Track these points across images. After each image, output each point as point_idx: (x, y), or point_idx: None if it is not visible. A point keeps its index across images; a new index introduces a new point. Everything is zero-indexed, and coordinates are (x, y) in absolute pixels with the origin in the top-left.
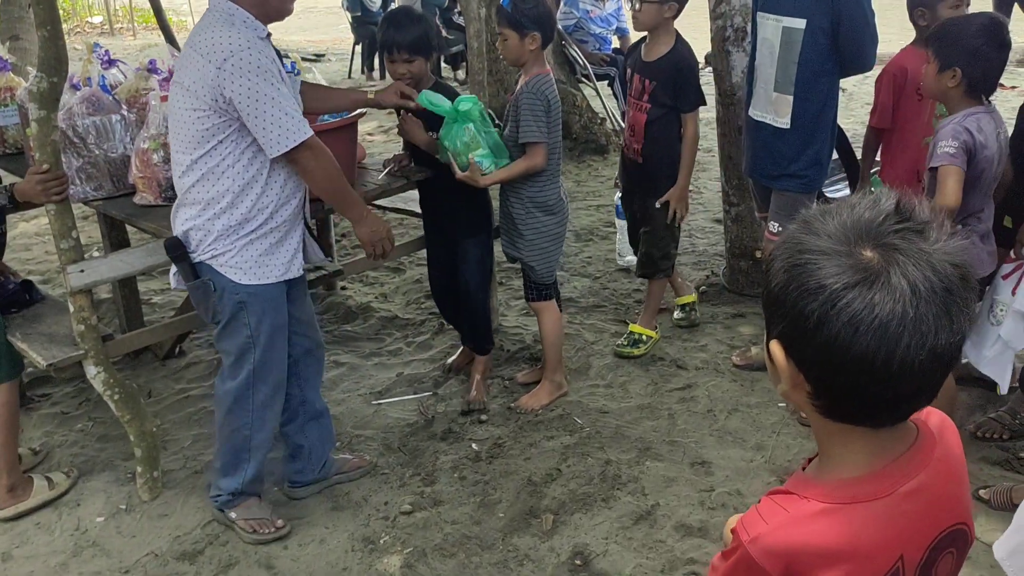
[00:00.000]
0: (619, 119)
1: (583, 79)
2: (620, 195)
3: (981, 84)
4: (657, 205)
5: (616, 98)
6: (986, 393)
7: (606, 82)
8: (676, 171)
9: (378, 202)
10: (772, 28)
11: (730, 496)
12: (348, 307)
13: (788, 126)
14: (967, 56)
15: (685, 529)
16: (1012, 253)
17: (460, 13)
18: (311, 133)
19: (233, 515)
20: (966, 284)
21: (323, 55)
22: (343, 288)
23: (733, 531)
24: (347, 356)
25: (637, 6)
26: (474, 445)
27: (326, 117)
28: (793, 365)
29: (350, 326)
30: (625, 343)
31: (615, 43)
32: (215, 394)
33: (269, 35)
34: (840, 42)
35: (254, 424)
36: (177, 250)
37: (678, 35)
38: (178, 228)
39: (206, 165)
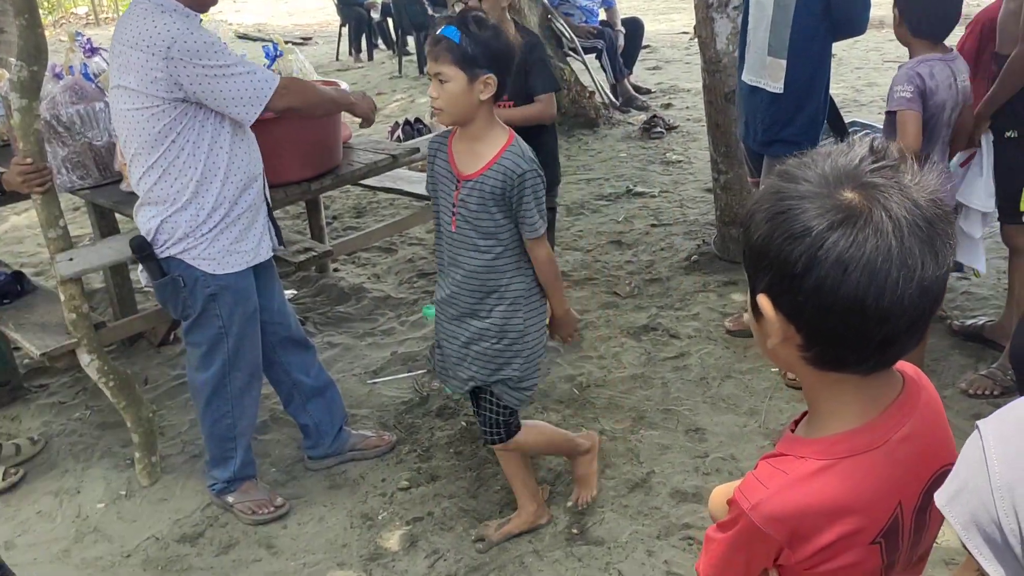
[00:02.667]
0: (608, 92)
1: (571, 52)
2: None
3: (924, 27)
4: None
5: (604, 71)
6: (978, 351)
7: (594, 55)
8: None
9: (367, 181)
10: None
11: (724, 461)
12: (341, 288)
13: (781, 90)
14: None
15: (680, 495)
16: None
17: None
18: (278, 78)
19: (231, 499)
20: (946, 216)
21: (310, 38)
22: (335, 270)
23: (731, 501)
24: (341, 337)
25: None
26: (464, 423)
27: None
28: (783, 317)
29: (343, 307)
30: None
31: (602, 15)
32: (190, 385)
33: (202, 22)
34: (832, 5)
35: (235, 413)
36: (143, 249)
37: (516, 23)
38: (143, 226)
39: (166, 162)
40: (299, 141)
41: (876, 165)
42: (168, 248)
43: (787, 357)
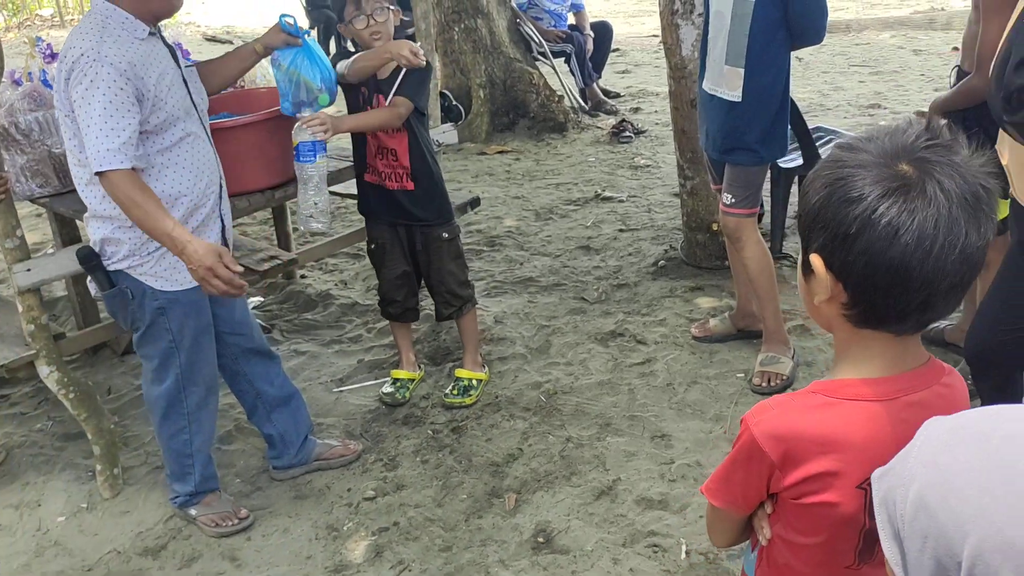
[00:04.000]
0: (577, 96)
1: (539, 57)
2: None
3: None
4: (444, 236)
5: (573, 75)
6: (940, 354)
7: (563, 59)
8: (445, 192)
9: (333, 188)
10: (722, 1)
11: (690, 468)
12: (308, 295)
13: (739, 99)
14: None
15: (646, 502)
16: None
17: None
18: (117, 166)
19: (194, 512)
20: (990, 193)
21: None
22: (302, 276)
23: (743, 419)
24: (307, 344)
25: (380, 17)
26: (431, 431)
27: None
28: (832, 276)
29: (310, 314)
30: (454, 392)
31: (571, 19)
32: (145, 398)
33: (154, 32)
34: (790, 14)
35: (191, 428)
36: (91, 260)
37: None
38: (92, 237)
39: None
40: (263, 149)
41: (931, 143)
42: (114, 263)
43: (829, 314)
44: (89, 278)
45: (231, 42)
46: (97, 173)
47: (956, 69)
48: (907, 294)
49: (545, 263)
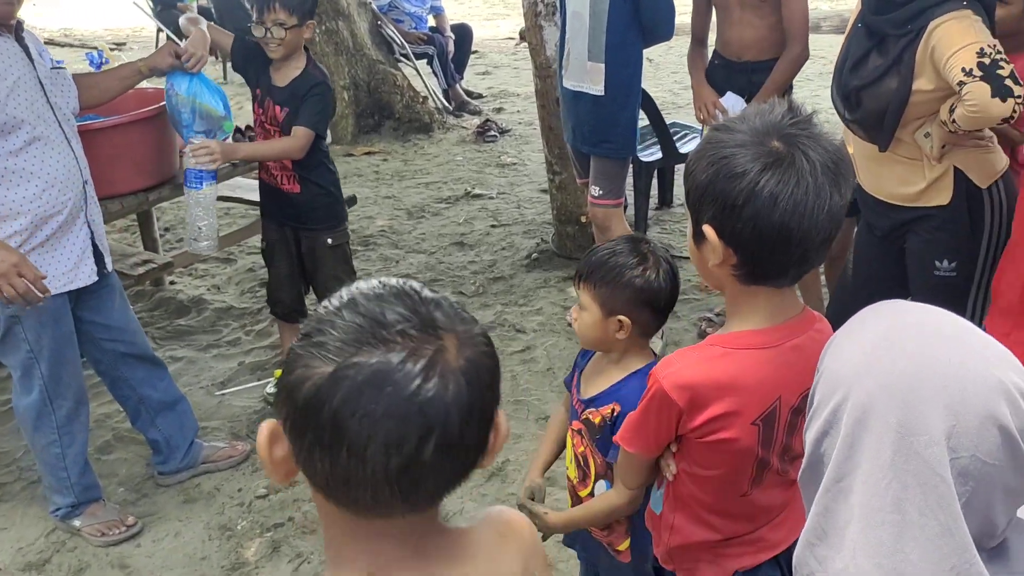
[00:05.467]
0: (441, 97)
1: (402, 58)
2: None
3: None
4: (329, 241)
5: (436, 76)
6: None
7: (425, 60)
8: (335, 197)
9: None
10: (579, 1)
11: None
12: (180, 301)
13: (603, 93)
14: None
15: None
16: None
17: None
18: None
19: (77, 523)
20: (848, 159)
21: (123, 44)
22: (172, 283)
23: (651, 373)
24: (184, 350)
25: (282, 34)
26: None
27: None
28: (723, 242)
29: (183, 320)
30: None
31: (431, 21)
32: (15, 410)
33: (2, 34)
34: (641, 12)
35: (63, 441)
36: None
37: (308, 55)
38: None
39: None
40: (133, 150)
41: (794, 120)
42: None
43: (720, 275)
44: None
45: (71, 45)
46: None
47: None
48: (788, 251)
49: (421, 260)
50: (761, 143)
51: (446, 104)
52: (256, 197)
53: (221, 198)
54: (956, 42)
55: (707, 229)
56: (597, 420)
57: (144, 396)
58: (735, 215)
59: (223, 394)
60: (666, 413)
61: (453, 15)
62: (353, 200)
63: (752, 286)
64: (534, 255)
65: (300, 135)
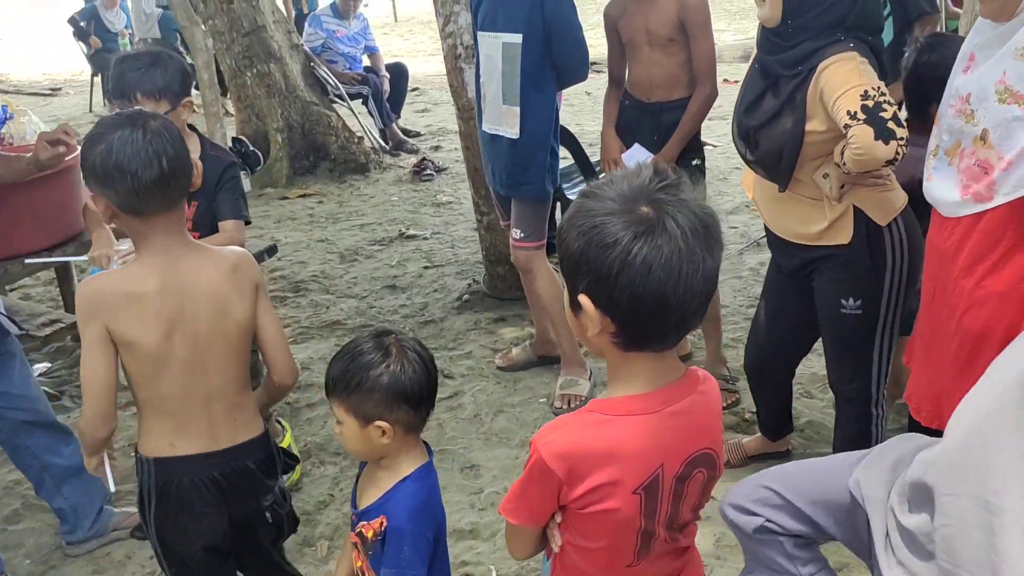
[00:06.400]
0: (377, 137)
1: (336, 99)
2: None
3: None
4: None
5: (372, 116)
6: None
7: (360, 100)
8: None
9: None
10: (492, 45)
11: (498, 495)
12: None
13: (518, 136)
14: None
15: (457, 534)
16: None
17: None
18: None
19: None
20: (715, 221)
21: (59, 89)
22: None
23: (532, 441)
24: None
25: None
26: None
27: None
28: (600, 311)
29: None
30: None
31: (366, 61)
32: None
33: None
34: (554, 56)
35: None
36: None
37: (199, 135)
38: None
39: None
40: (36, 208)
41: (662, 184)
42: None
43: (600, 342)
44: None
45: (6, 92)
46: None
47: None
48: (666, 317)
49: (352, 305)
50: (630, 210)
51: (383, 144)
52: None
53: None
54: (842, 84)
55: (583, 299)
56: (369, 534)
57: (48, 464)
58: (610, 284)
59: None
60: (546, 483)
61: (399, 51)
62: (273, 250)
63: (632, 352)
64: (465, 296)
65: (233, 228)
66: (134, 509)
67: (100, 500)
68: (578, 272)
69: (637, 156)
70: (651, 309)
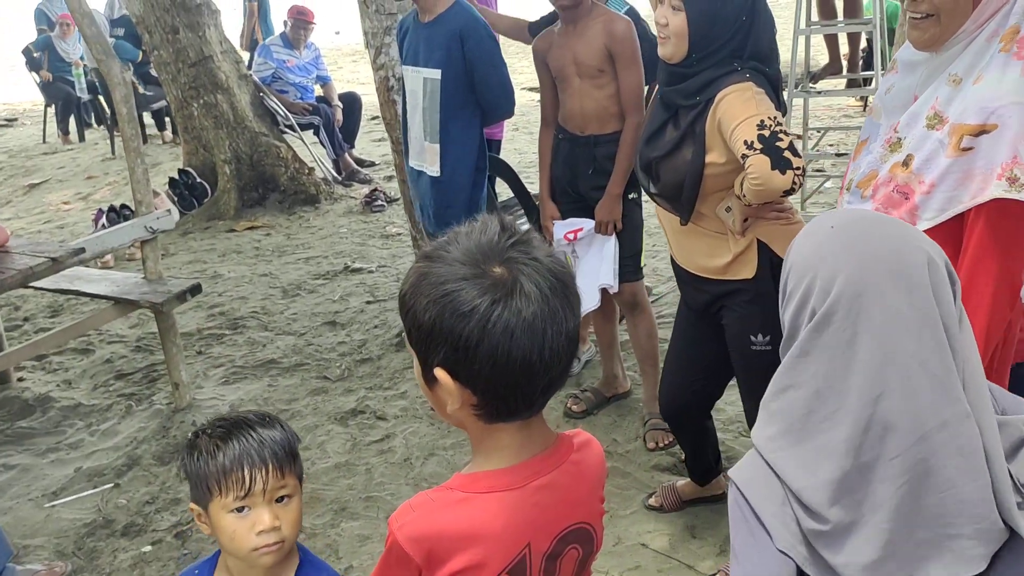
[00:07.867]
0: (329, 167)
1: (286, 129)
2: None
3: None
4: None
5: (323, 146)
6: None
7: (312, 131)
8: None
9: (40, 284)
10: (414, 80)
11: None
12: (24, 400)
13: (439, 174)
14: None
15: None
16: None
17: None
18: None
19: None
20: (570, 275)
21: (15, 120)
22: (20, 379)
23: (389, 521)
24: (20, 456)
25: None
26: (150, 545)
27: None
28: (459, 384)
29: (26, 421)
30: None
31: (318, 91)
32: None
33: None
34: (476, 90)
35: None
36: None
37: None
38: None
39: None
40: None
41: (512, 241)
42: None
43: (460, 416)
44: None
45: None
46: None
47: None
48: (533, 383)
49: (289, 343)
50: (483, 273)
51: (335, 174)
52: (97, 289)
53: (59, 291)
54: (738, 115)
55: (439, 373)
56: None
57: None
58: (471, 356)
59: (53, 505)
60: (404, 568)
61: (364, 77)
62: (198, 288)
63: (497, 424)
64: (404, 333)
65: None
66: (40, 566)
67: (5, 558)
68: (431, 344)
69: (572, 226)
70: (516, 377)
